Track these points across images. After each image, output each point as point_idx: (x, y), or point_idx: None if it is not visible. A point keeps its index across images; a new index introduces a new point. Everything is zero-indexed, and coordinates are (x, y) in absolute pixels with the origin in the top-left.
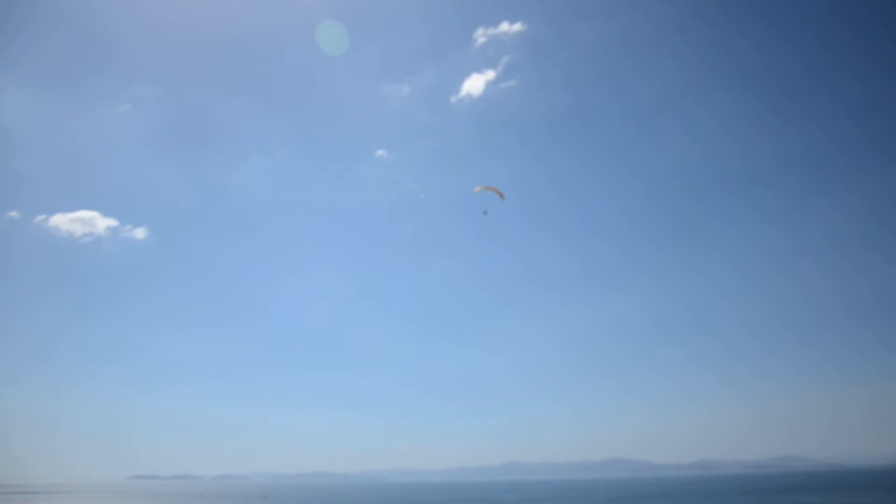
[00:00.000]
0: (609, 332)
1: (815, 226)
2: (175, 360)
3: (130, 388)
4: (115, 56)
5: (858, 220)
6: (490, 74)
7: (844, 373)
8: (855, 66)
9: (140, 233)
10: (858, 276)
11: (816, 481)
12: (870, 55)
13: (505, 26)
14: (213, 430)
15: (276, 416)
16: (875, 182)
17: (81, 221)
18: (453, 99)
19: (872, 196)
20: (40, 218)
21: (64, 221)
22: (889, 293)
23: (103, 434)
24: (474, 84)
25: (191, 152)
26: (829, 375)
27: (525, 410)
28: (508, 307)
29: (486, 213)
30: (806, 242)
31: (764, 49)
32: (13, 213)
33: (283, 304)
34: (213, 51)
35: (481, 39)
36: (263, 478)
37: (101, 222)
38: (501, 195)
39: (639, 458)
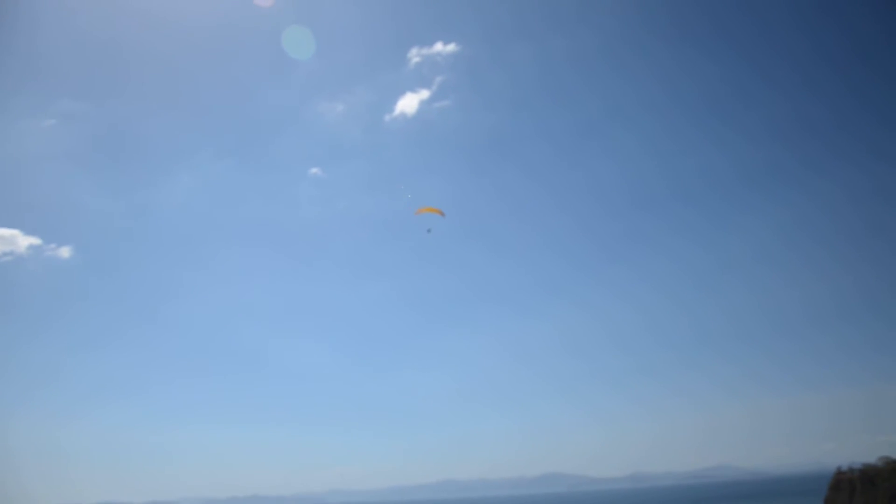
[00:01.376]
0: (552, 344)
1: (738, 240)
2: (101, 383)
3: (56, 415)
4: (41, 71)
5: (784, 233)
6: (424, 94)
7: (767, 385)
8: (782, 83)
9: (65, 252)
10: (782, 290)
11: (744, 489)
12: (797, 73)
13: (439, 46)
14: (142, 454)
15: (206, 436)
16: (802, 196)
17: (1, 240)
18: (387, 118)
19: (800, 209)
20: None
21: None
22: (812, 306)
23: (26, 463)
24: (408, 103)
25: (118, 168)
26: (752, 387)
27: (462, 427)
28: (448, 325)
29: (429, 231)
30: (729, 256)
31: (692, 68)
32: None
33: (214, 322)
34: (142, 65)
35: (415, 59)
36: (195, 503)
37: (23, 241)
38: (441, 213)
39: (575, 472)
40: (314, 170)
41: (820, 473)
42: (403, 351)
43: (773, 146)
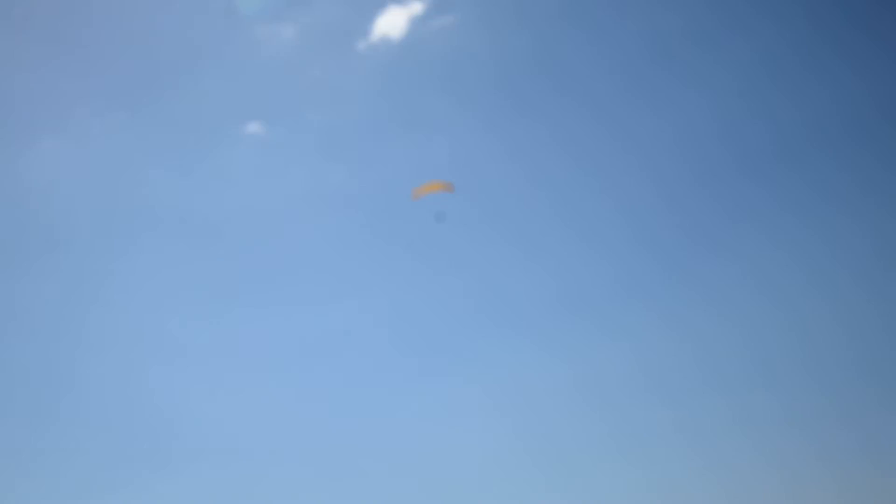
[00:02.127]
0: (627, 379)
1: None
2: None
3: None
4: None
5: None
6: (416, 7)
7: None
8: None
9: None
10: None
11: None
12: None
13: None
14: None
15: None
16: None
17: None
18: (361, 45)
19: None
20: None
21: None
22: None
23: None
24: (393, 22)
25: None
26: None
27: None
28: (461, 360)
29: (439, 218)
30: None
31: None
32: None
33: (98, 376)
34: None
35: None
36: None
37: None
38: (450, 188)
39: None
40: (252, 126)
41: None
42: (389, 394)
43: None
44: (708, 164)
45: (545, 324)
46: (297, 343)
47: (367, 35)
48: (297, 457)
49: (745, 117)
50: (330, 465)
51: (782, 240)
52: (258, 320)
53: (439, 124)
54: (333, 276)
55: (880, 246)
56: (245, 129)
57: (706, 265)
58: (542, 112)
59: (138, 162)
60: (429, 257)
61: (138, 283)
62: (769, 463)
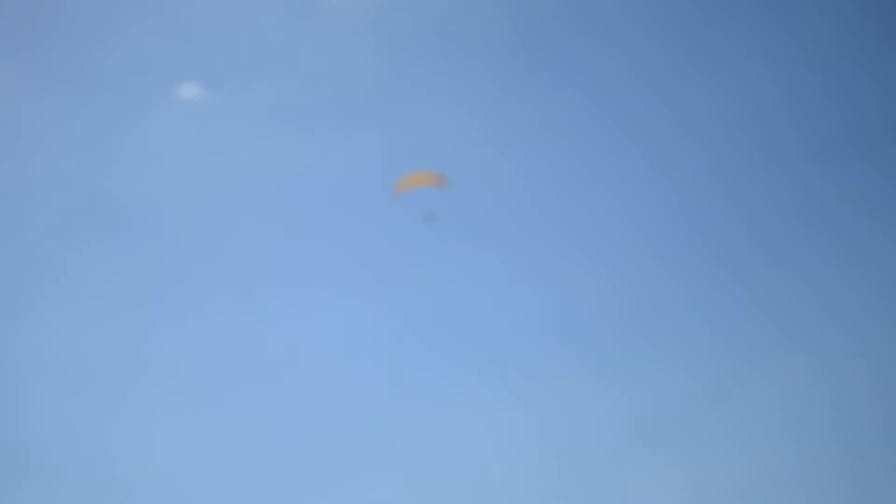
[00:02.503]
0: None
1: None
2: None
3: None
4: None
5: None
6: None
7: None
8: None
9: None
10: None
11: None
12: None
13: None
14: None
15: None
16: None
17: None
18: None
19: None
20: None
21: None
22: None
23: None
24: None
25: None
26: None
27: None
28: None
29: (429, 218)
30: None
31: None
32: None
33: None
34: None
35: None
36: None
37: None
38: (442, 182)
39: None
40: (186, 88)
41: None
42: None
43: None
44: (776, 151)
45: (596, 340)
46: (232, 365)
47: None
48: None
49: (820, 98)
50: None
51: (864, 257)
52: (187, 335)
53: (429, 89)
54: (288, 279)
55: None
56: (177, 91)
57: (774, 279)
58: (573, 75)
59: (36, 127)
60: (427, 261)
61: (34, 287)
62: None
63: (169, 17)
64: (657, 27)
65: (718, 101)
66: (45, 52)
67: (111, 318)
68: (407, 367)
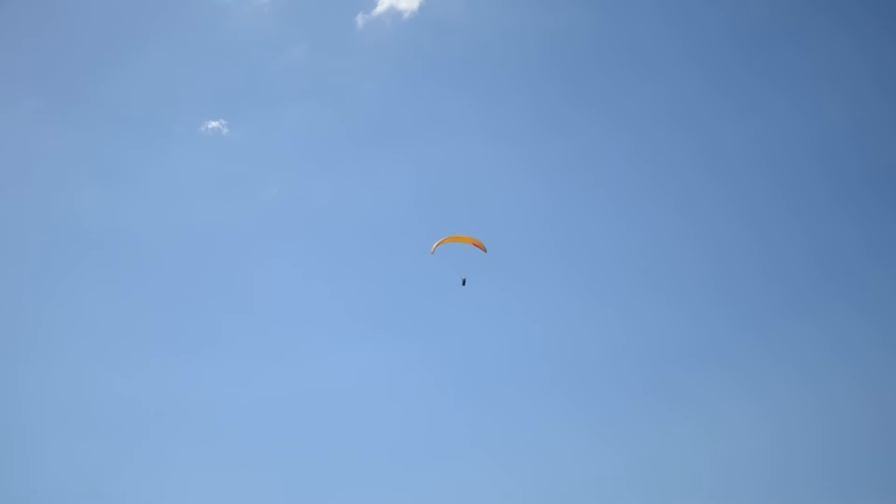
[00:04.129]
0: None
1: None
2: None
3: None
4: None
5: None
6: None
7: None
8: None
9: None
10: None
11: None
12: None
13: None
14: None
15: None
16: None
17: None
18: (361, 19)
19: None
20: None
21: None
22: None
23: None
24: None
25: None
26: None
27: None
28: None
29: (464, 283)
30: None
31: None
32: None
33: None
34: None
35: None
36: None
37: None
38: (482, 247)
39: None
40: (213, 124)
41: None
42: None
43: None
44: (801, 189)
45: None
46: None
47: (369, 8)
48: None
49: (845, 132)
50: None
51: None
52: (206, 377)
53: (460, 124)
54: (320, 323)
55: None
56: (203, 126)
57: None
58: (604, 108)
59: (59, 161)
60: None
61: (59, 323)
62: None
63: (194, 52)
64: (692, 64)
65: (750, 143)
66: (69, 87)
67: (134, 359)
68: (439, 413)
